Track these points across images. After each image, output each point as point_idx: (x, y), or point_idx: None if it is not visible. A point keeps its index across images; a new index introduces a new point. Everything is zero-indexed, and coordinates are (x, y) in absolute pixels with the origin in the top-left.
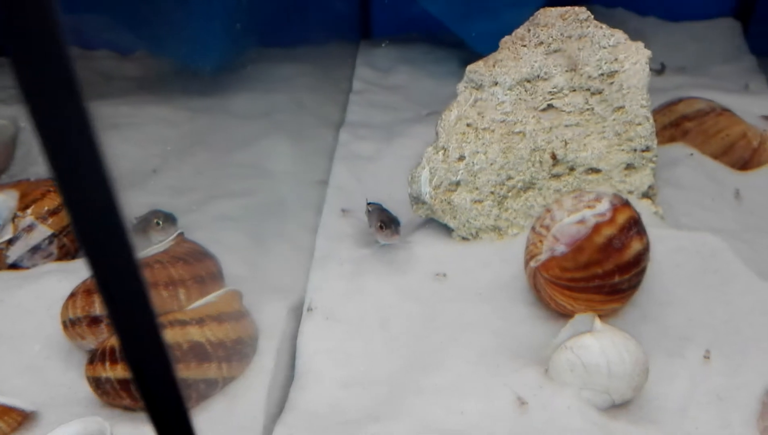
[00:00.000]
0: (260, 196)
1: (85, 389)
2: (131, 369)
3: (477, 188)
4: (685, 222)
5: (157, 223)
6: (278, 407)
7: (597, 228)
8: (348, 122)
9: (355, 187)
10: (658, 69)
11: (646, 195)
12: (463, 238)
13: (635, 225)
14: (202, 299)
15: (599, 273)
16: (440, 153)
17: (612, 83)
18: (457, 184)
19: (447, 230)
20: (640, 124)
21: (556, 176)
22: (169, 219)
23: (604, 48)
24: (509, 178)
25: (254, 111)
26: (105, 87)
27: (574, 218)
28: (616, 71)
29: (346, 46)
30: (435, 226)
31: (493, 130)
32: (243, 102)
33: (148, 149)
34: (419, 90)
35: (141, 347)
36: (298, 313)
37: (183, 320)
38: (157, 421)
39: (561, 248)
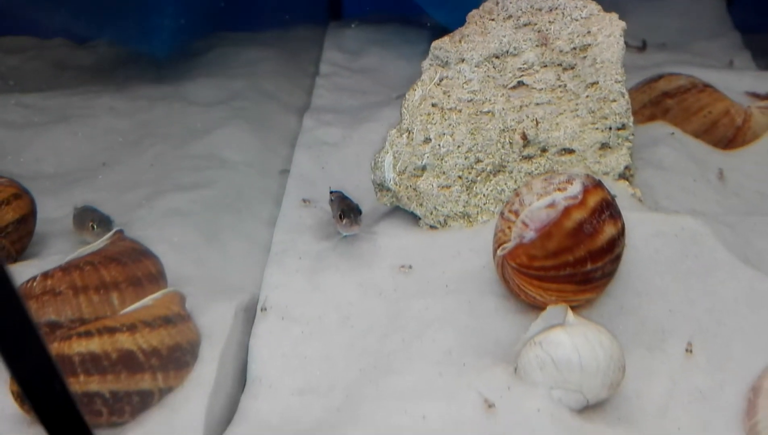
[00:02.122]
0: (215, 189)
1: (13, 406)
2: (18, 385)
3: (444, 173)
4: (665, 205)
5: (92, 227)
6: (223, 417)
7: (566, 212)
8: (313, 107)
9: (318, 175)
10: (639, 46)
11: (622, 176)
12: (431, 227)
13: (608, 208)
14: (137, 303)
15: (570, 260)
16: (404, 136)
17: (585, 57)
18: (423, 168)
19: (414, 218)
20: (614, 100)
21: (528, 158)
22: (104, 222)
23: (576, 20)
24: (478, 161)
25: (213, 98)
26: (58, 77)
27: (543, 202)
28: (589, 45)
29: (314, 28)
30: (401, 214)
31: (459, 110)
32: (201, 89)
33: (98, 142)
34: (389, 72)
35: (24, 362)
36: (250, 314)
37: (112, 327)
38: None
39: (530, 235)
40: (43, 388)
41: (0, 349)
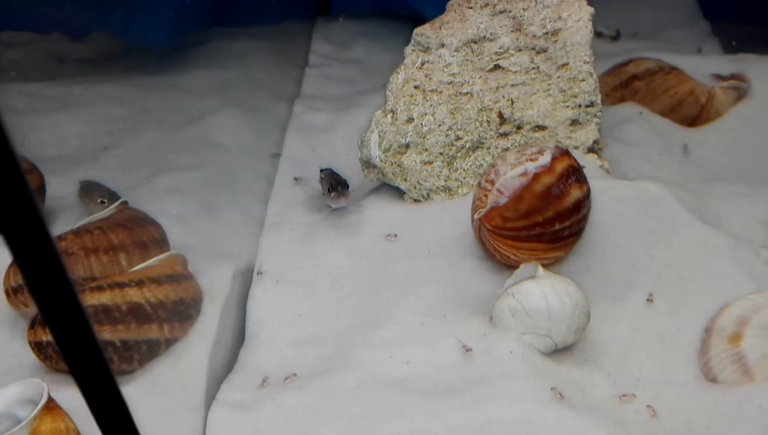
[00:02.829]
0: (211, 169)
1: (31, 356)
2: (52, 334)
3: (426, 150)
4: (632, 175)
5: (102, 202)
6: (224, 366)
7: (536, 177)
8: (303, 95)
9: (309, 157)
10: (613, 35)
11: (591, 150)
12: (415, 200)
13: (574, 173)
14: (143, 263)
15: (540, 221)
16: (389, 116)
17: (556, 41)
18: (407, 146)
19: (399, 193)
20: (583, 80)
21: (504, 135)
22: (114, 197)
23: (548, 7)
24: (458, 138)
25: (207, 87)
26: (58, 69)
27: (517, 171)
28: (560, 29)
29: (303, 23)
30: (388, 189)
31: (440, 92)
32: (196, 79)
33: (99, 127)
34: (376, 62)
35: (58, 314)
36: (247, 277)
37: (122, 282)
38: (81, 382)
39: (504, 199)
40: (73, 334)
41: (37, 300)
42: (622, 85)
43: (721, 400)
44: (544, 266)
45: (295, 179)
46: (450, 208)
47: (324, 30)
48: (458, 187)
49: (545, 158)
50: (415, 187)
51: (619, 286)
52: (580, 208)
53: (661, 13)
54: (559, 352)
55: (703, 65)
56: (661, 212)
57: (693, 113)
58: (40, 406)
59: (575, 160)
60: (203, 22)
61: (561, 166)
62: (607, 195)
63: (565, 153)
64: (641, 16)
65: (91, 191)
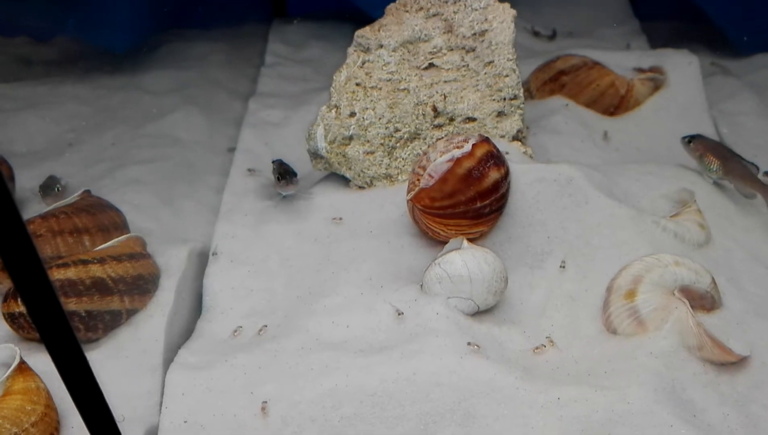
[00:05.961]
0: (170, 163)
1: (5, 327)
2: (25, 305)
3: (368, 141)
4: (556, 161)
5: (57, 189)
6: (181, 334)
7: (458, 161)
8: (258, 93)
9: (262, 150)
10: (550, 35)
11: (515, 138)
12: (359, 187)
13: (492, 157)
14: (105, 244)
15: (463, 200)
16: (333, 111)
17: (483, 41)
18: (350, 138)
19: (345, 181)
20: (507, 75)
21: (438, 126)
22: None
23: (476, 10)
24: (396, 130)
25: (166, 87)
26: (23, 71)
27: (444, 158)
28: (486, 30)
29: (260, 25)
30: (335, 178)
31: (380, 88)
32: (156, 79)
33: (64, 125)
34: (330, 62)
35: (31, 287)
36: (203, 258)
37: (85, 260)
38: (49, 346)
39: (432, 182)
40: (42, 306)
41: (11, 274)
42: (551, 80)
43: (618, 349)
44: (471, 240)
45: (249, 170)
46: (391, 193)
47: (280, 31)
48: (398, 174)
49: (469, 145)
50: (359, 175)
51: (537, 256)
52: (499, 188)
53: (595, 12)
54: (481, 313)
55: (627, 60)
56: (573, 190)
57: (614, 103)
58: (12, 367)
59: (494, 147)
60: (163, 25)
61: (480, 151)
62: (527, 176)
63: (485, 140)
64: (576, 15)
65: (49, 182)
